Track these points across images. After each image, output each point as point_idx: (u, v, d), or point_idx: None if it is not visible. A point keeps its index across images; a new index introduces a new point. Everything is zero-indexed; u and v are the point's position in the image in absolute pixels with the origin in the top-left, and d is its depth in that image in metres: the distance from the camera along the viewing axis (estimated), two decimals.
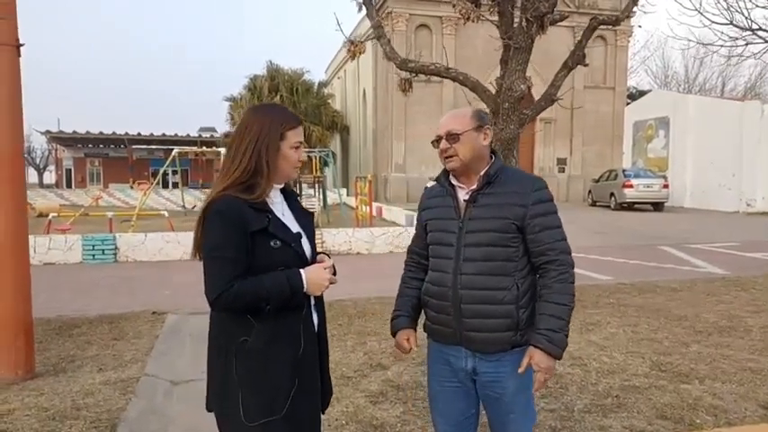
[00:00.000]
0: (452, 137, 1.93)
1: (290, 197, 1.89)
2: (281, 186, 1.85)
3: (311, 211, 2.03)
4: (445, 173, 2.04)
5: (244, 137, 1.73)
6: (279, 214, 1.77)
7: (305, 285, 1.69)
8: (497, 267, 1.88)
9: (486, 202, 1.91)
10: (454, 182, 2.00)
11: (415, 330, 2.11)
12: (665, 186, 20.78)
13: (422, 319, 2.13)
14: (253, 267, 1.66)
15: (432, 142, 2.02)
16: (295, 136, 1.78)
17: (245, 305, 1.64)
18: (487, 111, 5.45)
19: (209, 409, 1.84)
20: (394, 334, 2.10)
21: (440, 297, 1.95)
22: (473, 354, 1.94)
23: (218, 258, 1.64)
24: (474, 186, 1.94)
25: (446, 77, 5.87)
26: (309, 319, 1.80)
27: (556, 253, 1.88)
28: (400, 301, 2.14)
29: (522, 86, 5.13)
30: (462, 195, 1.97)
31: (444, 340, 2.00)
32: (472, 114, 1.98)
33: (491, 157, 1.99)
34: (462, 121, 1.95)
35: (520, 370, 1.85)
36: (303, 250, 1.78)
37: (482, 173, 1.94)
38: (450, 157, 1.94)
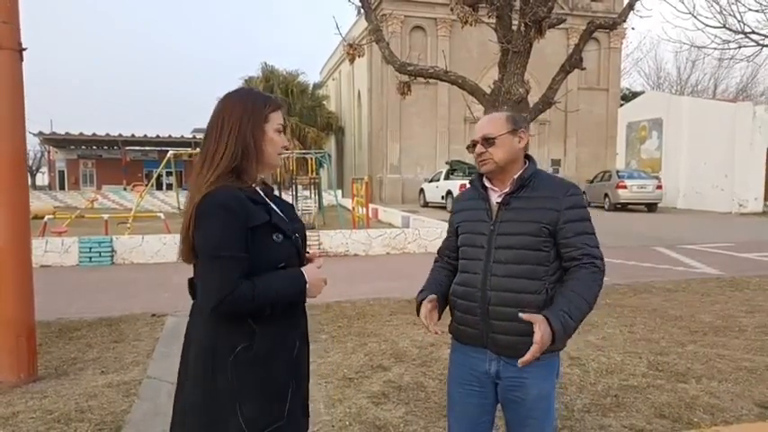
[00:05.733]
0: (488, 141, 1.93)
1: (268, 191, 1.74)
2: (262, 177, 1.74)
3: (290, 203, 1.88)
4: (479, 176, 2.03)
5: (225, 122, 1.60)
6: (272, 206, 1.65)
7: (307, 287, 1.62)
8: (528, 271, 1.87)
9: (519, 206, 1.90)
10: (487, 184, 2.00)
11: (438, 304, 2.01)
12: (659, 187, 20.95)
13: (447, 320, 2.10)
14: (254, 264, 1.52)
15: (467, 147, 2.02)
16: (278, 118, 1.68)
17: (249, 309, 1.50)
18: (475, 117, 5.49)
19: None
20: (418, 309, 2.00)
21: (468, 298, 1.95)
22: (498, 357, 1.93)
23: (221, 258, 1.48)
24: (507, 189, 1.94)
25: (445, 81, 5.91)
26: (300, 319, 1.72)
27: (589, 258, 1.86)
28: (427, 281, 2.11)
29: (520, 90, 5.17)
30: (495, 198, 1.97)
31: (469, 342, 1.99)
32: (507, 118, 1.98)
33: (525, 162, 1.99)
34: (497, 124, 1.95)
35: (523, 317, 1.75)
36: (300, 244, 1.69)
37: (516, 176, 1.94)
38: (485, 160, 1.94)
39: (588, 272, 1.84)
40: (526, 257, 1.87)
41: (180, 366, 1.65)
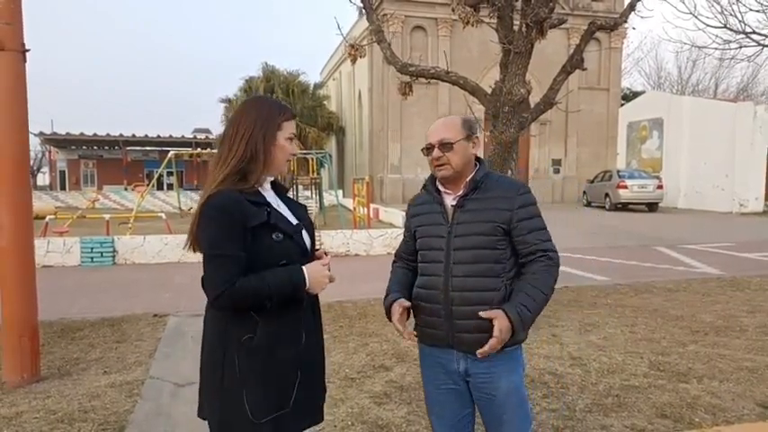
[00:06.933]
0: (445, 146, 1.97)
1: (281, 192, 1.87)
2: (272, 179, 1.83)
3: (304, 203, 2.02)
4: (431, 180, 2.09)
5: (240, 125, 1.73)
6: (275, 207, 1.76)
7: (307, 283, 1.69)
8: (486, 269, 1.93)
9: (474, 207, 1.96)
10: (441, 187, 2.05)
11: (408, 301, 2.05)
12: (660, 187, 20.95)
13: (411, 323, 2.13)
14: (255, 262, 1.63)
15: (422, 150, 2.05)
16: (290, 127, 1.80)
17: (247, 303, 1.63)
18: (476, 117, 5.50)
19: (203, 417, 1.78)
20: (388, 312, 2.04)
21: (431, 300, 1.99)
22: (464, 355, 1.97)
23: (219, 256, 1.61)
24: (461, 192, 1.99)
25: (446, 81, 5.91)
26: (309, 313, 1.80)
27: (543, 252, 1.93)
28: (391, 282, 2.14)
29: (521, 90, 5.18)
30: (449, 201, 2.02)
31: (436, 343, 2.03)
32: (462, 123, 2.02)
33: (476, 164, 2.05)
34: (454, 129, 2.00)
35: (483, 315, 1.83)
36: (304, 242, 1.78)
37: (468, 179, 2.00)
38: (443, 165, 1.99)
39: (543, 264, 1.93)
40: (484, 256, 1.94)
41: (201, 353, 1.77)
